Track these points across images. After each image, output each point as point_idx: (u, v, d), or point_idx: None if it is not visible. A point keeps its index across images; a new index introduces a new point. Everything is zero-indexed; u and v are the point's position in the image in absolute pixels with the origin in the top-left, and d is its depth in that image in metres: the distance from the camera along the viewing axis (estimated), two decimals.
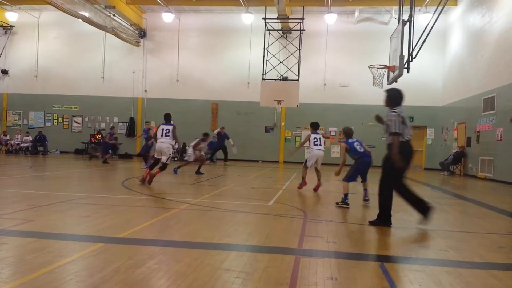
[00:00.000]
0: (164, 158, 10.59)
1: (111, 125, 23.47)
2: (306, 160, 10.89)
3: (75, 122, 26.55)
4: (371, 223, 6.37)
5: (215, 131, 22.01)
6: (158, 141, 10.76)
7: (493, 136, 16.76)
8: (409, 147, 6.24)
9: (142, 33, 25.70)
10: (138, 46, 25.73)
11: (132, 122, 25.92)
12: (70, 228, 5.74)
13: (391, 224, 6.29)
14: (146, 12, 25.93)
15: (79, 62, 26.18)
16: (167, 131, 10.75)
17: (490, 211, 8.53)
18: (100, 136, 24.83)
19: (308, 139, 10.79)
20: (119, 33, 23.34)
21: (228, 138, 21.61)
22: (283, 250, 4.81)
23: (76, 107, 26.52)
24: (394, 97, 6.34)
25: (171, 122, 11.06)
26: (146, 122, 19.87)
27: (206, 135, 14.90)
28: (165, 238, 5.23)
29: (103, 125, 26.20)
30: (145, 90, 25.87)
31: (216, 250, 4.64)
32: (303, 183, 10.89)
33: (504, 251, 5.11)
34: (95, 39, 25.49)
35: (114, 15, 22.67)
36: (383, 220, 6.29)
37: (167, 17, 24.28)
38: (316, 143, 10.64)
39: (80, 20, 21.02)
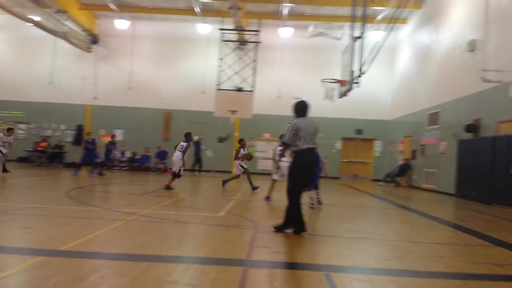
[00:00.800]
0: (175, 169, 12.28)
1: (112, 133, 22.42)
2: (273, 173, 10.95)
3: (19, 129, 25.39)
4: (278, 229, 6.44)
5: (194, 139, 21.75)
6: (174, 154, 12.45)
7: (436, 149, 17.53)
8: (307, 156, 6.47)
9: (95, 39, 25.08)
10: (89, 52, 25.08)
11: (80, 129, 25.12)
12: (8, 241, 5.44)
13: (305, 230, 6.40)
14: (100, 18, 25.35)
15: (26, 67, 25.13)
16: (181, 147, 12.37)
17: (432, 222, 8.88)
18: (60, 145, 23.88)
19: (275, 152, 10.73)
20: (70, 39, 22.69)
21: (201, 145, 21.55)
22: (231, 261, 4.79)
23: (21, 114, 25.38)
24: (298, 109, 6.67)
25: (186, 140, 12.50)
26: (87, 132, 18.78)
27: (241, 140, 14.14)
28: (110, 250, 5.06)
29: (49, 133, 25.23)
30: (95, 97, 25.17)
31: (163, 263, 4.55)
32: (268, 196, 10.90)
33: (444, 260, 5.32)
34: (44, 44, 24.56)
35: (65, 20, 22.05)
36: (295, 226, 6.41)
37: (121, 24, 23.87)
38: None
39: (29, 24, 20.27)
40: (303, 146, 6.39)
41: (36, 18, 19.93)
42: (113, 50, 25.53)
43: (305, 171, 6.53)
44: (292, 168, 6.52)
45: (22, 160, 24.09)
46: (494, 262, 5.27)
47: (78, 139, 24.90)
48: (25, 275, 3.92)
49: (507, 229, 8.17)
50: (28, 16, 19.44)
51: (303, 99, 6.85)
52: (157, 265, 4.45)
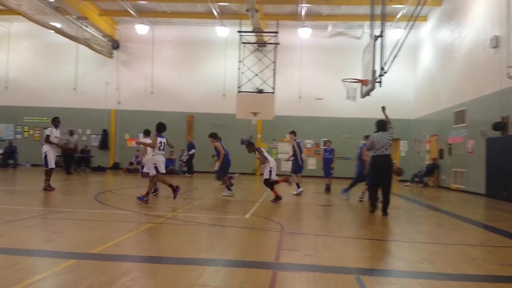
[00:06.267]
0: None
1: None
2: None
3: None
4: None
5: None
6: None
7: (464, 148, 17.17)
8: (377, 161, 9.16)
9: (115, 45, 25.44)
10: (111, 57, 25.45)
11: (105, 134, 25.51)
12: (41, 244, 5.55)
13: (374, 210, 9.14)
14: (120, 24, 25.71)
15: (50, 73, 25.64)
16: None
17: (462, 223, 8.70)
18: (87, 150, 24.28)
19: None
20: (92, 44, 23.05)
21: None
22: (259, 264, 4.77)
23: (47, 119, 25.89)
24: (377, 126, 9.56)
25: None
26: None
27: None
28: (139, 253, 5.12)
29: (75, 138, 25.68)
30: (119, 102, 25.55)
31: (192, 266, 4.57)
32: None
33: (476, 262, 5.19)
34: (67, 50, 25.01)
35: (86, 26, 22.42)
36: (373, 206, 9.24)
37: (141, 29, 24.14)
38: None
39: (52, 31, 20.68)
40: (376, 153, 9.12)
41: (58, 25, 20.30)
42: (134, 55, 25.85)
43: (377, 170, 9.14)
44: (369, 167, 9.44)
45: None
46: None
47: (104, 144, 25.30)
48: (58, 278, 3.99)
49: None
50: (50, 23, 19.79)
51: (382, 118, 9.67)
52: (186, 267, 4.48)
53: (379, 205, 9.27)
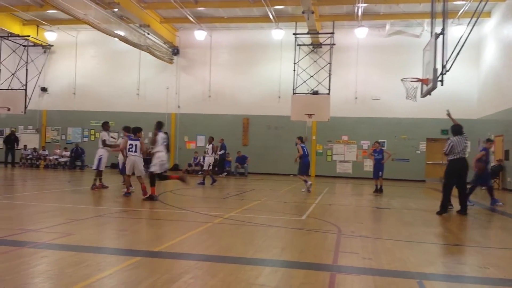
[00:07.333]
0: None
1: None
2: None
3: (111, 137, 27.15)
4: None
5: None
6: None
7: None
8: (457, 164, 9.36)
9: (175, 51, 26.24)
10: (171, 63, 26.28)
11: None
12: (108, 242, 5.87)
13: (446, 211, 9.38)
14: (179, 30, 26.50)
15: (115, 79, 26.90)
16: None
17: None
18: (150, 152, 25.24)
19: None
20: (153, 51, 23.93)
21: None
22: (317, 266, 4.78)
23: (112, 123, 27.13)
24: (454, 131, 9.61)
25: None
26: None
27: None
28: (200, 252, 5.28)
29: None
30: (178, 106, 26.33)
31: (250, 265, 4.65)
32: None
33: None
34: (131, 57, 26.15)
35: (148, 34, 23.31)
36: (444, 209, 9.40)
37: (200, 35, 24.73)
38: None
39: (116, 39, 21.69)
40: (455, 156, 9.33)
41: (122, 33, 21.25)
42: (193, 61, 26.52)
43: (454, 173, 9.44)
44: (447, 171, 9.60)
45: (115, 166, 25.76)
46: None
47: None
48: (124, 275, 4.20)
49: None
50: (115, 32, 20.76)
51: (458, 123, 9.77)
52: (245, 267, 4.57)
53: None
